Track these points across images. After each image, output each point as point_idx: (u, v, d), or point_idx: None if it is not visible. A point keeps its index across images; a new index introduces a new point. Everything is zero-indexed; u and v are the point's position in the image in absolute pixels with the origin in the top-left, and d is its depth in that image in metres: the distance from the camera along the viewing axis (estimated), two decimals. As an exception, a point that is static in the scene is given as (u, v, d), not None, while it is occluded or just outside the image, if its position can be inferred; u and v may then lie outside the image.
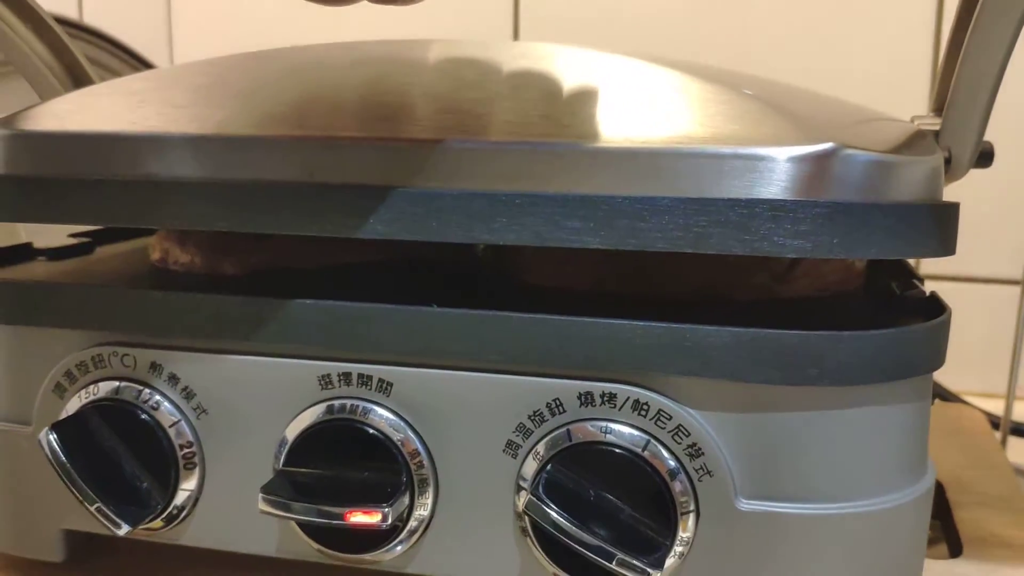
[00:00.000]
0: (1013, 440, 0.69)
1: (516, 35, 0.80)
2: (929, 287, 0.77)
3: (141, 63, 0.67)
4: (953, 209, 0.30)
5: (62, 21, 0.53)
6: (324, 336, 0.31)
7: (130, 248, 0.43)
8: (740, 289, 0.34)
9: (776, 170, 0.28)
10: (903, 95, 0.72)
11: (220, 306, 0.32)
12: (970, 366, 0.75)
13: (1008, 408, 0.69)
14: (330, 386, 0.32)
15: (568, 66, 0.35)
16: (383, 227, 0.30)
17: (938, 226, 0.29)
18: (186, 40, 0.85)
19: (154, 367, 0.33)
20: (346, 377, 0.32)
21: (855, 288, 0.36)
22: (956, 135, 0.37)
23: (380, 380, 0.31)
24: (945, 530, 0.45)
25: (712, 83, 0.33)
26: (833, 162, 0.28)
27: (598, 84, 0.33)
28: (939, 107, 0.41)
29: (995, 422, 0.70)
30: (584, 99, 0.32)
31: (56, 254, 0.41)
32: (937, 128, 0.38)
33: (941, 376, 0.75)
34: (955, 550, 0.42)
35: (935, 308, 0.32)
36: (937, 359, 0.31)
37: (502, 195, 0.29)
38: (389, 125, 0.32)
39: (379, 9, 0.30)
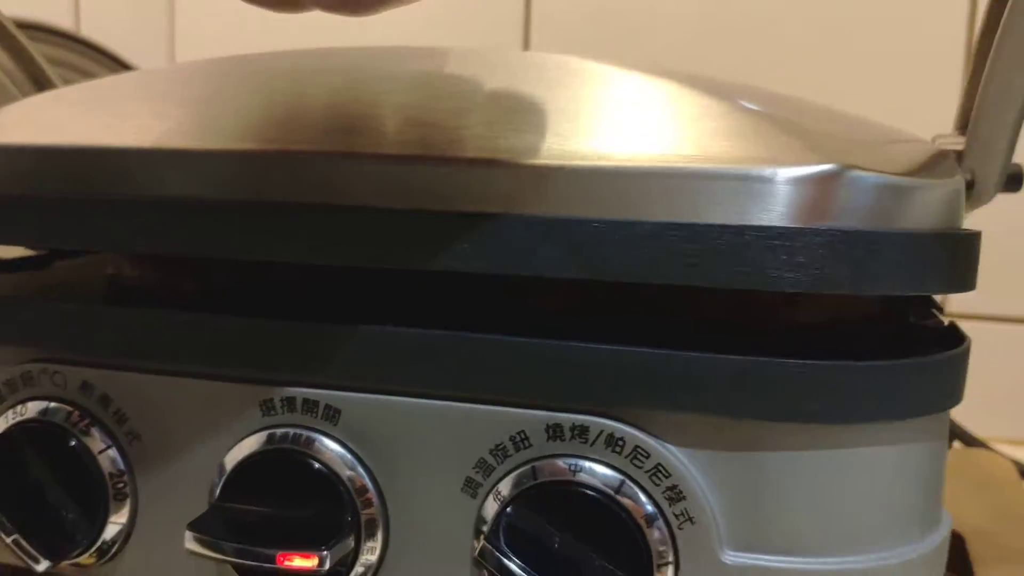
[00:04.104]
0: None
1: (526, 44, 0.77)
2: (968, 329, 0.73)
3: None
4: (972, 239, 0.26)
5: (39, 27, 0.51)
6: (265, 357, 0.28)
7: (88, 262, 0.40)
8: (738, 313, 0.30)
9: (772, 193, 0.25)
10: (932, 113, 0.69)
11: (151, 322, 0.29)
12: (999, 411, 0.71)
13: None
14: (272, 412, 0.28)
15: (551, 77, 0.32)
16: (337, 252, 0.27)
17: (955, 258, 0.26)
18: (188, 52, 0.83)
19: (85, 387, 0.30)
20: (290, 403, 0.28)
21: (868, 315, 0.33)
22: (981, 156, 0.33)
23: (327, 407, 0.28)
24: (965, 588, 0.41)
25: (707, 95, 0.29)
26: (837, 185, 0.25)
27: (579, 97, 0.30)
28: (963, 125, 0.37)
29: (1024, 471, 0.66)
30: (563, 113, 0.29)
31: (8, 267, 0.38)
32: (960, 148, 0.34)
33: (967, 420, 0.71)
34: (975, 611, 0.38)
35: (953, 339, 0.29)
36: (954, 395, 0.27)
37: (468, 216, 0.26)
38: (347, 138, 0.29)
39: (388, 16, 0.28)
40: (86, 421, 0.30)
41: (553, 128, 0.28)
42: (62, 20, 0.80)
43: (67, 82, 0.56)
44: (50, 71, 0.42)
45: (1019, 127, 0.33)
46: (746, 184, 0.25)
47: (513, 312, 0.28)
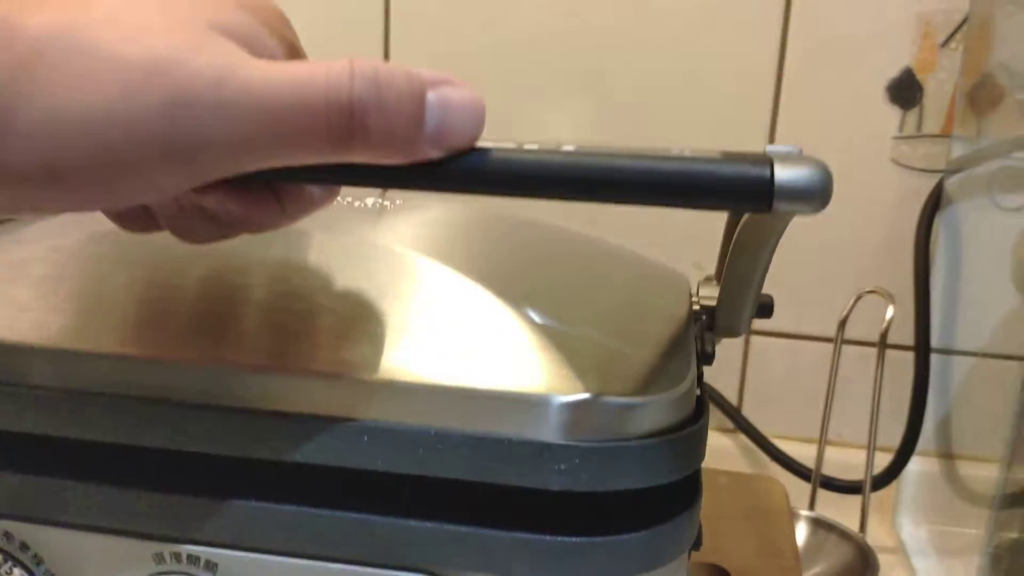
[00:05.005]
0: (822, 492, 0.77)
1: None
2: (761, 342, 0.84)
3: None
4: (693, 437, 0.35)
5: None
6: (157, 520, 0.36)
7: None
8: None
9: (544, 413, 0.33)
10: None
11: (61, 489, 0.36)
12: (795, 413, 0.83)
13: (819, 462, 0.76)
14: (163, 563, 0.36)
15: (392, 276, 0.39)
16: (200, 443, 0.34)
17: (679, 455, 0.34)
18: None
19: (7, 535, 0.37)
20: (177, 556, 0.36)
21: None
22: (729, 315, 0.43)
23: (207, 561, 0.36)
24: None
25: (523, 317, 0.37)
26: (591, 409, 0.33)
27: (412, 303, 0.38)
28: (720, 275, 0.46)
29: (807, 474, 0.78)
30: (394, 323, 0.37)
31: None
32: (714, 304, 0.43)
33: (767, 424, 0.82)
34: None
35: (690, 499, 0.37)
36: (680, 546, 0.36)
37: (311, 419, 0.34)
38: (210, 345, 0.36)
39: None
40: (9, 563, 0.37)
41: (386, 340, 0.36)
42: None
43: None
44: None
45: (758, 295, 0.42)
46: (526, 406, 0.33)
47: (355, 485, 0.36)
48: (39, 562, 0.37)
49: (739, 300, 0.42)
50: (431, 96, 0.28)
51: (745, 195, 0.29)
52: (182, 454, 0.36)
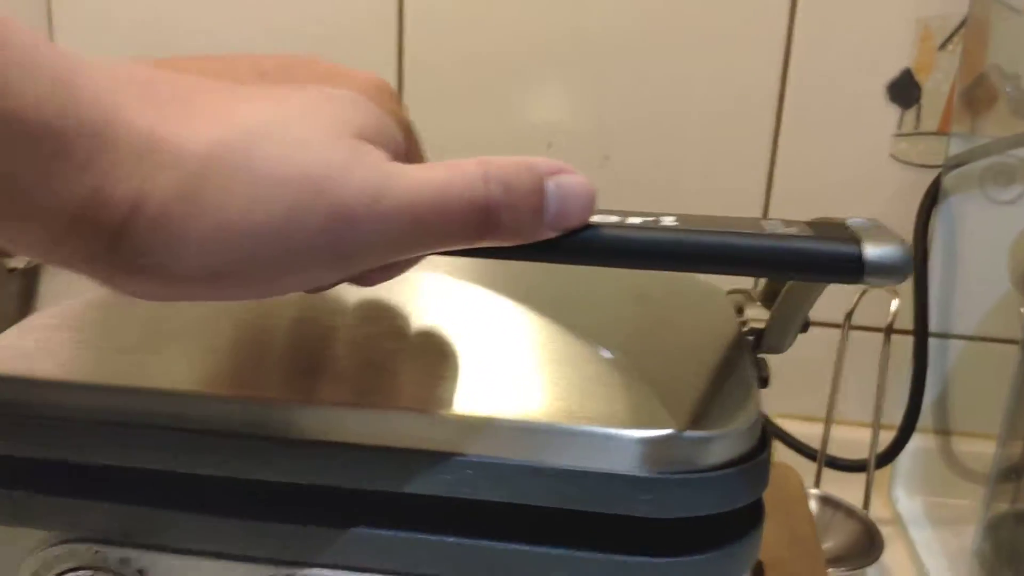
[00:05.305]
0: (827, 471, 0.81)
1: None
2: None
3: None
4: (762, 465, 0.39)
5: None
6: (269, 548, 0.39)
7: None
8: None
9: (629, 447, 0.36)
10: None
11: (173, 521, 0.39)
12: (795, 391, 0.87)
13: (824, 444, 0.80)
14: (276, 584, 0.39)
15: (478, 322, 0.42)
16: (315, 476, 0.38)
17: (752, 481, 0.38)
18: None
19: (123, 562, 0.40)
20: (290, 580, 0.39)
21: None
22: (776, 337, 0.46)
23: (317, 582, 0.39)
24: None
25: (595, 352, 0.40)
26: (671, 443, 0.37)
27: (501, 345, 0.41)
28: (766, 299, 0.50)
29: (813, 454, 0.83)
30: (483, 364, 0.40)
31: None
32: (763, 327, 0.47)
33: (779, 405, 0.86)
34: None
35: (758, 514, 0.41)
36: (749, 561, 0.40)
37: (422, 454, 0.37)
38: (309, 384, 0.39)
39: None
40: (126, 588, 0.40)
41: (481, 379, 0.39)
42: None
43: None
44: None
45: (804, 318, 0.46)
46: (614, 442, 0.37)
47: (454, 513, 0.39)
48: (156, 586, 0.40)
49: (789, 325, 0.45)
50: (549, 185, 0.31)
51: (839, 271, 0.32)
52: (294, 485, 0.39)
